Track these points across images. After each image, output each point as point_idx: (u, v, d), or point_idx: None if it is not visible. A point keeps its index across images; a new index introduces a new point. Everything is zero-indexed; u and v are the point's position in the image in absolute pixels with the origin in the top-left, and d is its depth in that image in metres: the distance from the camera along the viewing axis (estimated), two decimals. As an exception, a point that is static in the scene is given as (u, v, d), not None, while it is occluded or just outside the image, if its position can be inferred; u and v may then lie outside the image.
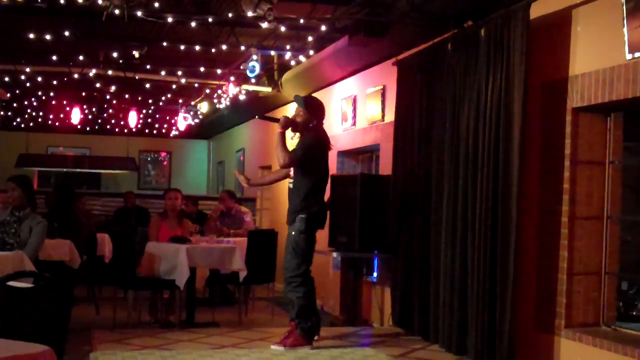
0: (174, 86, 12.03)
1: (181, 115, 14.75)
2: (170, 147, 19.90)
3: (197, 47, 9.12)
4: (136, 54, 9.51)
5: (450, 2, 6.37)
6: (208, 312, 8.17)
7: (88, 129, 17.77)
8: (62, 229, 7.88)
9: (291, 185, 6.39)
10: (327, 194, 6.79)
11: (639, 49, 4.64)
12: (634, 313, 5.76)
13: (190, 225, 8.51)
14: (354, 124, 9.18)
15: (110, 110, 16.06)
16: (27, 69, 10.74)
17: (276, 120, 6.49)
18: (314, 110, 6.49)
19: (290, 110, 11.72)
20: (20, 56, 10.33)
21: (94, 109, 15.82)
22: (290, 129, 6.39)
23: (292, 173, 6.44)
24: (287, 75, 10.26)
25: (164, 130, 18.42)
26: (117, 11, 7.00)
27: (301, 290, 6.22)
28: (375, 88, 8.50)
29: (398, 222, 7.29)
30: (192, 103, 13.83)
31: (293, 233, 6.25)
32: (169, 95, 13.52)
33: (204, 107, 13.04)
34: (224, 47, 8.91)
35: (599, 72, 5.03)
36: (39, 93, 13.85)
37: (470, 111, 6.06)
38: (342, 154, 9.72)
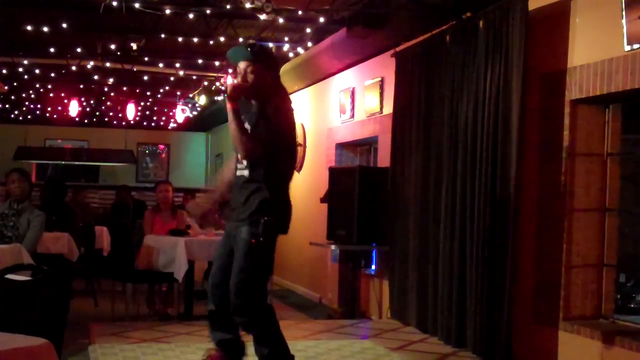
0: (172, 78, 12.02)
1: (179, 107, 14.74)
2: (168, 139, 19.89)
3: (195, 39, 9.10)
4: (134, 46, 9.48)
5: (449, -6, 6.36)
6: (206, 305, 8.16)
7: (86, 121, 17.76)
8: (59, 222, 7.89)
9: (243, 173, 4.50)
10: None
11: (637, 40, 4.63)
12: (632, 305, 5.78)
13: (185, 216, 8.52)
14: (352, 116, 9.17)
15: (108, 103, 16.04)
16: (25, 62, 10.73)
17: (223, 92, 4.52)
18: (265, 59, 4.55)
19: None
20: (18, 48, 10.30)
21: (92, 102, 15.80)
22: (244, 97, 4.50)
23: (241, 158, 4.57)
24: (285, 67, 10.24)
25: (162, 123, 18.42)
26: (114, 3, 6.98)
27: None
28: (374, 80, 8.48)
29: (396, 215, 7.28)
30: (190, 95, 13.81)
31: (244, 237, 4.41)
32: (167, 88, 13.50)
33: (202, 99, 13.02)
34: (222, 39, 8.89)
35: (597, 63, 5.02)
36: (37, 85, 13.82)
37: (469, 103, 6.05)
38: (341, 146, 9.72)
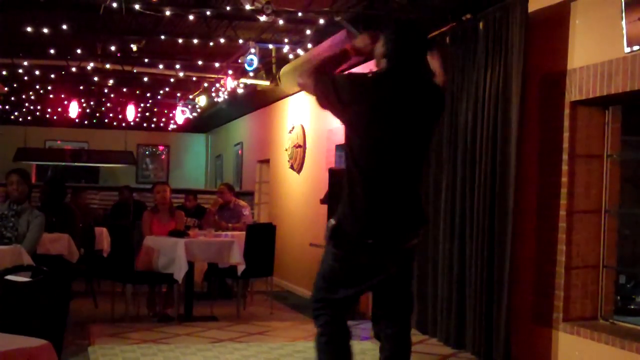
0: (172, 80, 12.01)
1: (179, 108, 14.73)
2: (168, 140, 19.88)
3: (195, 41, 9.09)
4: (134, 47, 9.48)
5: (449, -5, 6.37)
6: (206, 306, 8.17)
7: (86, 122, 17.74)
8: (58, 223, 7.88)
9: None
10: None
11: (637, 42, 4.64)
12: (632, 307, 5.77)
13: (184, 217, 8.51)
14: (352, 117, 9.14)
15: (108, 104, 16.02)
16: (25, 63, 10.71)
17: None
18: (373, 32, 3.95)
19: (289, 104, 11.73)
20: (18, 50, 10.29)
21: (91, 103, 15.77)
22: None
23: None
24: (285, 69, 10.24)
25: (162, 124, 18.40)
26: (115, 4, 6.99)
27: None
28: (374, 81, 8.46)
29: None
30: (190, 97, 13.81)
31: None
32: (167, 89, 13.50)
33: (202, 100, 13.03)
34: (222, 40, 8.89)
35: (597, 65, 5.02)
36: (37, 87, 13.81)
37: (469, 105, 6.06)
38: (341, 147, 9.71)
